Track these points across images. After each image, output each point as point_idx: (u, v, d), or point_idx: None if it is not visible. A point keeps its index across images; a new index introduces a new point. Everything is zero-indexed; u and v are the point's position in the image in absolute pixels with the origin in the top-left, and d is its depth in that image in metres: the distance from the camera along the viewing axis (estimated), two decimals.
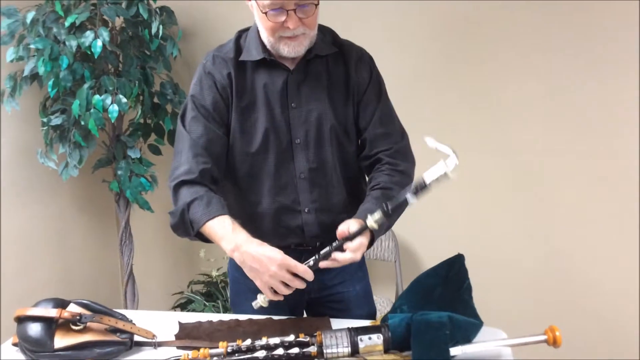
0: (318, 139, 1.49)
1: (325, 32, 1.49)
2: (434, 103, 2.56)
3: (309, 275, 1.28)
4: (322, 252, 1.32)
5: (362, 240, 1.33)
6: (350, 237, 1.31)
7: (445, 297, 1.36)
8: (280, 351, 1.24)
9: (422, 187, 1.25)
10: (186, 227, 1.37)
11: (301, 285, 1.28)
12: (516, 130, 2.48)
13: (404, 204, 1.29)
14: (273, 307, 1.57)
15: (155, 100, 2.52)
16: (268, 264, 1.26)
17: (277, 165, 1.49)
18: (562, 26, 2.34)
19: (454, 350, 1.23)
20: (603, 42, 2.30)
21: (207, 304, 2.60)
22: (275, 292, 1.29)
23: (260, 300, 1.32)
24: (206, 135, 1.44)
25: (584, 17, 2.31)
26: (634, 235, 2.38)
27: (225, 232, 1.31)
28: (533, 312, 2.51)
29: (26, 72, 2.28)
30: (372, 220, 1.29)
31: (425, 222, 2.59)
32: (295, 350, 1.24)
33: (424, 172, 1.25)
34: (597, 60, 2.31)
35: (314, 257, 1.32)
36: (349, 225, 1.34)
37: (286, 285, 1.28)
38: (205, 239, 1.40)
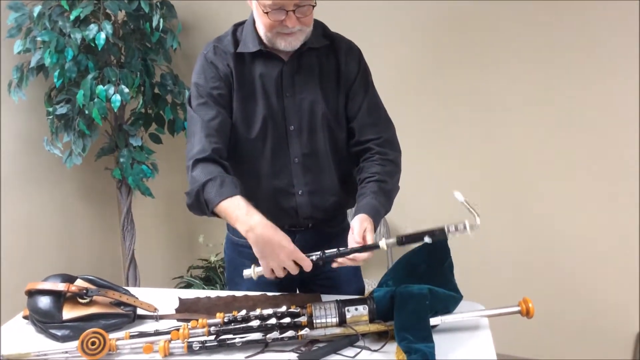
0: (311, 126, 1.57)
1: (316, 26, 1.57)
2: (428, 95, 2.64)
3: (308, 267, 1.36)
4: (328, 251, 1.38)
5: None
6: (362, 249, 1.37)
7: (428, 273, 1.44)
8: (273, 321, 1.32)
9: (440, 235, 1.34)
10: (201, 207, 1.44)
11: (297, 271, 1.37)
12: (506, 121, 2.55)
13: (419, 237, 1.37)
14: (267, 284, 1.67)
15: (156, 90, 2.60)
16: (278, 252, 1.34)
17: (274, 150, 1.58)
18: (562, 25, 2.39)
19: (433, 320, 1.32)
20: (603, 40, 2.36)
21: (206, 288, 2.68)
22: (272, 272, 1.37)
23: (252, 273, 1.38)
24: (217, 118, 1.52)
25: (583, 15, 2.36)
26: (619, 220, 2.46)
27: (240, 213, 1.37)
28: (515, 290, 2.58)
29: (32, 64, 2.36)
30: (384, 243, 1.36)
31: (415, 208, 2.68)
32: (287, 320, 1.33)
33: (448, 222, 1.35)
34: (597, 58, 2.37)
35: (319, 253, 1.37)
36: (360, 227, 1.40)
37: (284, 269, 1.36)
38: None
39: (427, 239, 1.34)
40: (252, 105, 1.55)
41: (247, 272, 1.39)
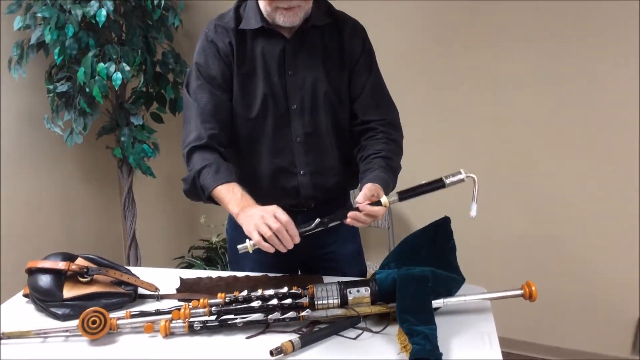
0: (313, 105, 1.55)
1: (320, 3, 1.55)
2: (431, 75, 2.61)
3: (290, 228, 1.29)
4: (327, 218, 1.36)
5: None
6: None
7: (430, 256, 1.43)
8: (274, 301, 1.32)
9: (439, 185, 1.35)
10: (198, 192, 1.46)
11: (286, 238, 1.29)
12: (508, 99, 2.53)
13: (419, 190, 1.36)
14: (269, 265, 1.66)
15: (157, 69, 2.58)
16: (260, 211, 1.32)
17: (275, 129, 1.56)
18: (568, 5, 2.36)
19: (436, 302, 1.31)
20: (608, 20, 2.33)
21: (207, 268, 2.68)
22: (264, 240, 1.30)
23: (248, 245, 1.34)
24: (212, 102, 1.51)
25: (585, 9, 2.34)
26: (622, 205, 2.45)
27: (234, 197, 1.39)
28: (518, 274, 2.58)
29: (33, 41, 2.34)
30: (386, 200, 1.34)
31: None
32: (289, 301, 1.32)
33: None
34: (601, 38, 2.35)
35: (318, 220, 1.35)
36: (371, 189, 1.36)
37: (276, 240, 1.29)
38: (217, 202, 1.47)
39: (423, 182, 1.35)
40: (253, 84, 1.54)
41: (241, 246, 1.36)
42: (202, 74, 1.52)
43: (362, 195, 1.34)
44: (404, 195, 1.35)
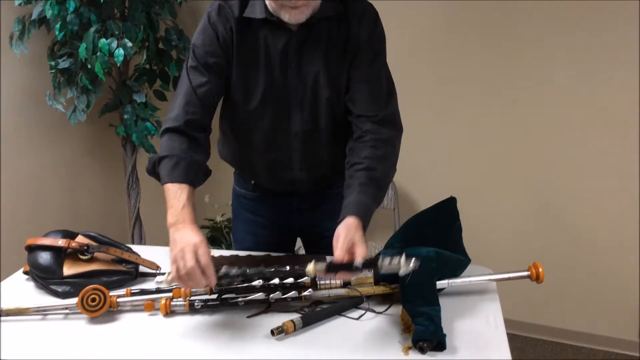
0: (313, 101, 1.47)
1: None
2: (440, 62, 2.58)
3: (209, 272, 1.20)
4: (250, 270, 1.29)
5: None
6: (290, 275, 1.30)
7: (435, 236, 1.40)
8: (276, 281, 1.30)
9: (372, 266, 1.20)
10: (156, 176, 1.39)
11: (196, 281, 1.19)
12: (515, 84, 2.50)
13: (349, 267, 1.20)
14: (270, 245, 1.64)
15: (160, 46, 2.54)
16: (180, 244, 1.21)
17: (273, 123, 1.50)
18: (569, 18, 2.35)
19: (440, 283, 1.29)
20: (608, 28, 2.31)
21: (211, 248, 2.67)
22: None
23: (164, 279, 1.27)
24: (205, 85, 1.44)
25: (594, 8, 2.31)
26: (629, 188, 2.43)
27: (175, 204, 1.29)
28: (524, 256, 2.56)
29: (34, 16, 2.30)
30: (312, 267, 1.20)
31: (424, 171, 2.65)
32: (290, 280, 1.30)
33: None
34: (602, 46, 2.33)
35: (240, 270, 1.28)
36: (344, 240, 1.23)
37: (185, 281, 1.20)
38: None
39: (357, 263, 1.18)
40: (253, 75, 1.46)
41: (159, 279, 1.39)
42: (197, 57, 1.45)
43: (340, 249, 1.21)
44: (332, 268, 1.20)
